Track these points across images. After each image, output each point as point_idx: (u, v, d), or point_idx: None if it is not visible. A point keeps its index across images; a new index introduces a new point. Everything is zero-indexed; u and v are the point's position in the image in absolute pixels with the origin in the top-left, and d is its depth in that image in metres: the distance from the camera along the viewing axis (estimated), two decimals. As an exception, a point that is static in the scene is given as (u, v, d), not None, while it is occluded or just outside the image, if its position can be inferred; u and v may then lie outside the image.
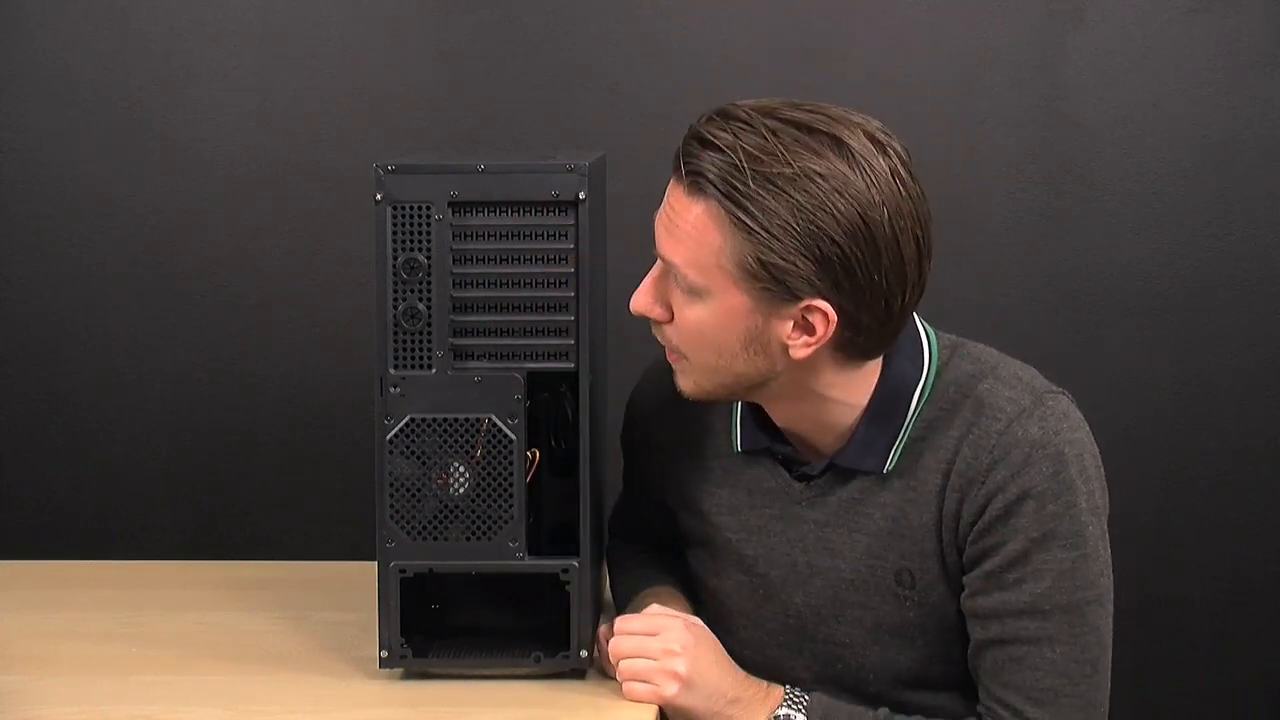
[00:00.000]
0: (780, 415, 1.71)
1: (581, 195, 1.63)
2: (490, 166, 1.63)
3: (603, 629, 1.74)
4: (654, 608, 1.71)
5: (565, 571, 1.67)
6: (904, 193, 1.58)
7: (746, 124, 1.56)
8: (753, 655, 1.75)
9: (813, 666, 1.74)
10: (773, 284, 1.56)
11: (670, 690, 1.64)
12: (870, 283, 1.57)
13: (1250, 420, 2.60)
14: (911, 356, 1.69)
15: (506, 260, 1.63)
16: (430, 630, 1.73)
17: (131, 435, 2.63)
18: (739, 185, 1.54)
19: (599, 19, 2.56)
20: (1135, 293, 2.58)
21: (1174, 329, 2.58)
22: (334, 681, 1.72)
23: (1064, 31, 2.54)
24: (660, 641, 1.66)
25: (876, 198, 1.56)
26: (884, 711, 1.67)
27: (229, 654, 1.80)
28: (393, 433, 1.65)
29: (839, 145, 1.56)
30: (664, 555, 1.88)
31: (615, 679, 1.70)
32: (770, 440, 1.73)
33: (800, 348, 1.61)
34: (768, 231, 1.54)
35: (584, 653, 1.69)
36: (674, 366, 1.68)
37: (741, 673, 1.69)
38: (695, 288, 1.59)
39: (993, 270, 2.57)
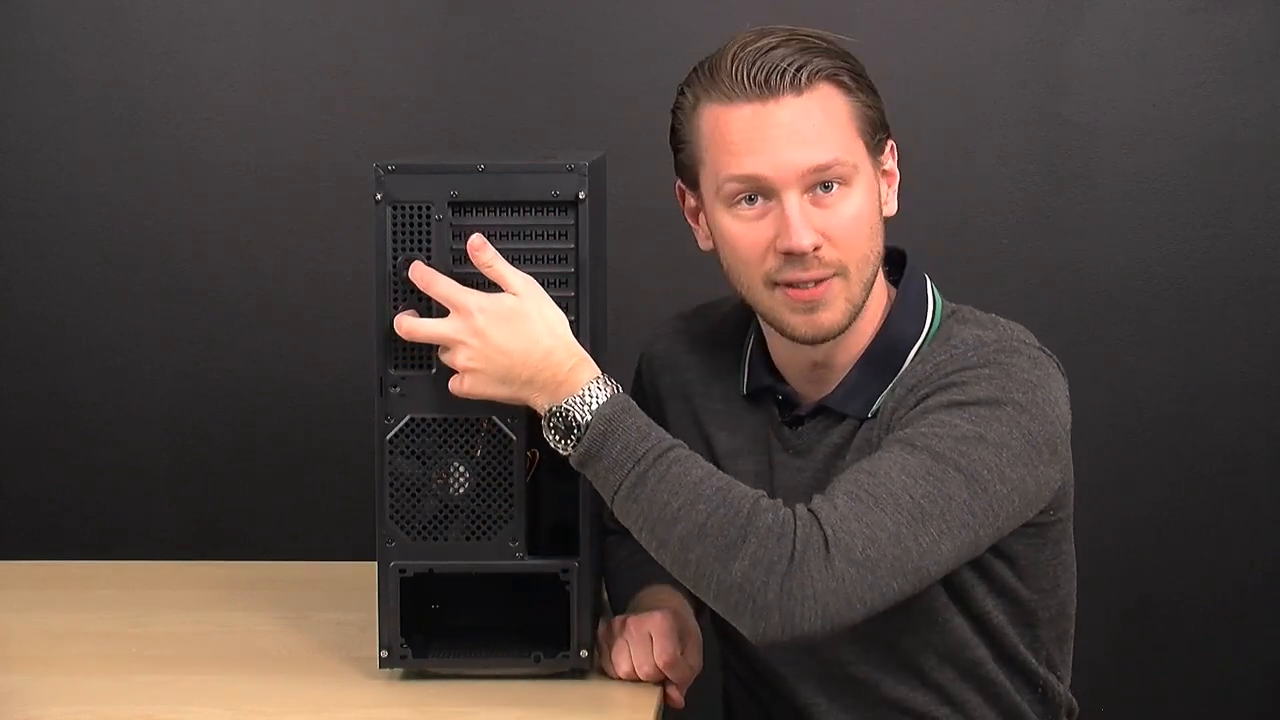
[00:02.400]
0: (826, 344, 1.71)
1: (581, 195, 1.63)
2: (490, 166, 1.63)
3: (602, 629, 1.75)
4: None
5: (565, 571, 1.67)
6: None
7: (766, 33, 1.67)
8: None
9: None
10: (881, 129, 1.71)
11: (465, 384, 1.61)
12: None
13: (1250, 420, 2.60)
14: (915, 314, 1.73)
15: (507, 260, 1.63)
16: (430, 630, 1.73)
17: (131, 435, 2.63)
18: (830, 51, 1.67)
19: (599, 19, 2.56)
20: (1135, 292, 2.58)
21: (1174, 329, 2.58)
22: (334, 681, 1.72)
23: (1064, 31, 2.54)
24: (451, 329, 1.60)
25: None
26: (669, 442, 1.59)
27: (229, 654, 1.80)
28: (393, 433, 1.65)
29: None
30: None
31: (615, 679, 1.70)
32: (773, 380, 1.77)
33: (893, 199, 1.73)
34: (862, 76, 1.69)
35: (584, 653, 1.68)
36: (819, 302, 1.66)
37: (545, 346, 1.59)
38: (849, 172, 1.66)
39: (993, 270, 2.57)
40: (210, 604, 1.96)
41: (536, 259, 1.63)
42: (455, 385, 1.61)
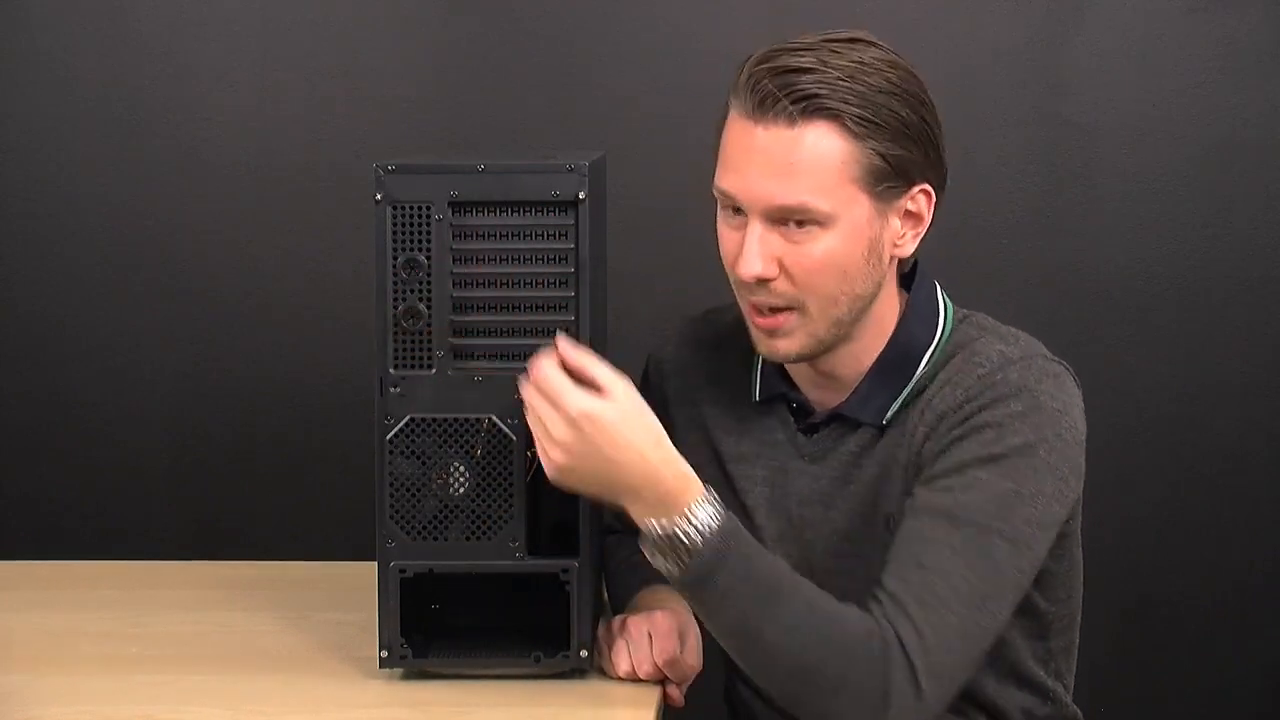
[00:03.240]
0: (826, 360, 1.71)
1: (581, 195, 1.63)
2: (490, 166, 1.63)
3: (602, 629, 1.75)
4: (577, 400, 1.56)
5: (565, 571, 1.67)
6: None
7: (808, 48, 1.62)
8: None
9: None
10: (894, 178, 1.63)
11: (550, 471, 1.58)
12: (940, 153, 1.67)
13: (1250, 420, 2.60)
14: (927, 320, 1.73)
15: (507, 260, 1.63)
16: (430, 630, 1.73)
17: (131, 435, 2.63)
18: (852, 89, 1.60)
19: (599, 19, 2.56)
20: (1135, 292, 2.58)
21: (1174, 329, 2.58)
22: (334, 681, 1.72)
23: (1064, 31, 2.54)
24: (548, 415, 1.56)
25: (920, 76, 1.66)
26: (776, 577, 1.58)
27: (229, 654, 1.80)
28: (393, 433, 1.65)
29: (875, 44, 1.65)
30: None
31: (615, 678, 1.70)
32: (787, 387, 1.77)
33: (910, 241, 1.68)
34: (885, 124, 1.61)
35: (584, 653, 1.69)
36: (778, 330, 1.67)
37: (648, 465, 1.55)
38: (823, 215, 1.61)
39: (993, 270, 2.57)
40: (210, 604, 1.96)
41: (536, 259, 1.63)
42: (550, 473, 1.58)
